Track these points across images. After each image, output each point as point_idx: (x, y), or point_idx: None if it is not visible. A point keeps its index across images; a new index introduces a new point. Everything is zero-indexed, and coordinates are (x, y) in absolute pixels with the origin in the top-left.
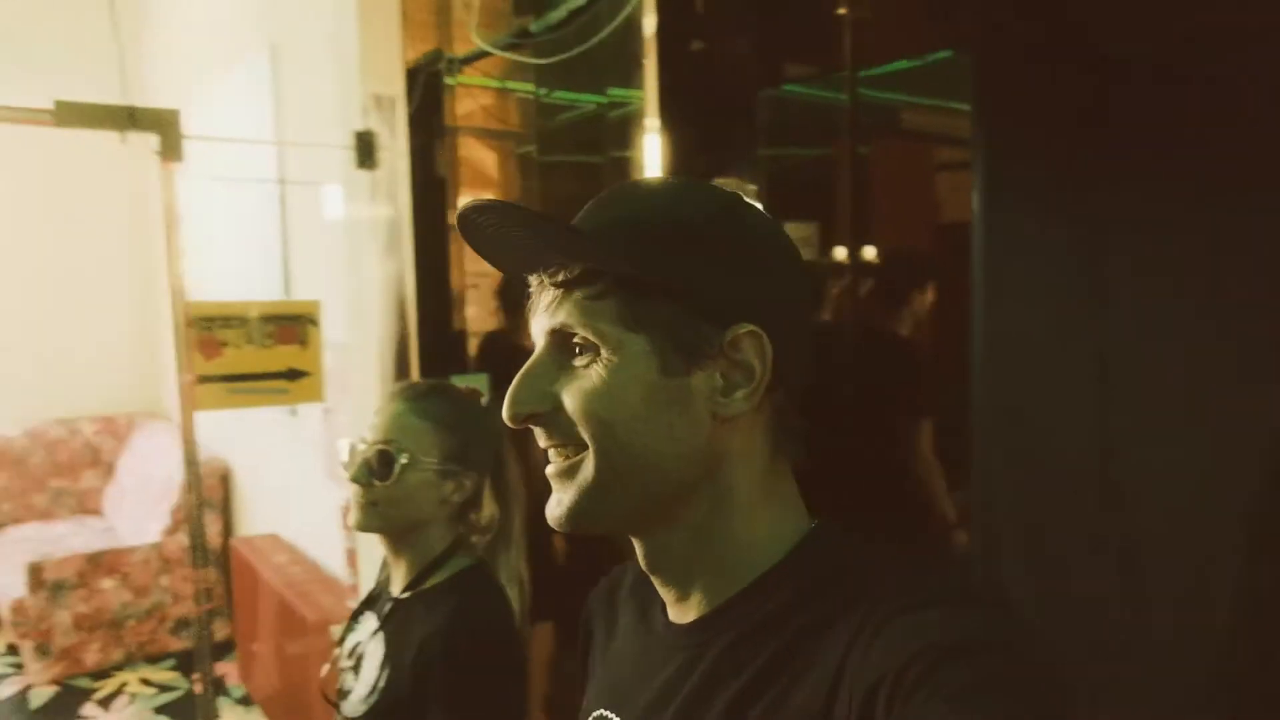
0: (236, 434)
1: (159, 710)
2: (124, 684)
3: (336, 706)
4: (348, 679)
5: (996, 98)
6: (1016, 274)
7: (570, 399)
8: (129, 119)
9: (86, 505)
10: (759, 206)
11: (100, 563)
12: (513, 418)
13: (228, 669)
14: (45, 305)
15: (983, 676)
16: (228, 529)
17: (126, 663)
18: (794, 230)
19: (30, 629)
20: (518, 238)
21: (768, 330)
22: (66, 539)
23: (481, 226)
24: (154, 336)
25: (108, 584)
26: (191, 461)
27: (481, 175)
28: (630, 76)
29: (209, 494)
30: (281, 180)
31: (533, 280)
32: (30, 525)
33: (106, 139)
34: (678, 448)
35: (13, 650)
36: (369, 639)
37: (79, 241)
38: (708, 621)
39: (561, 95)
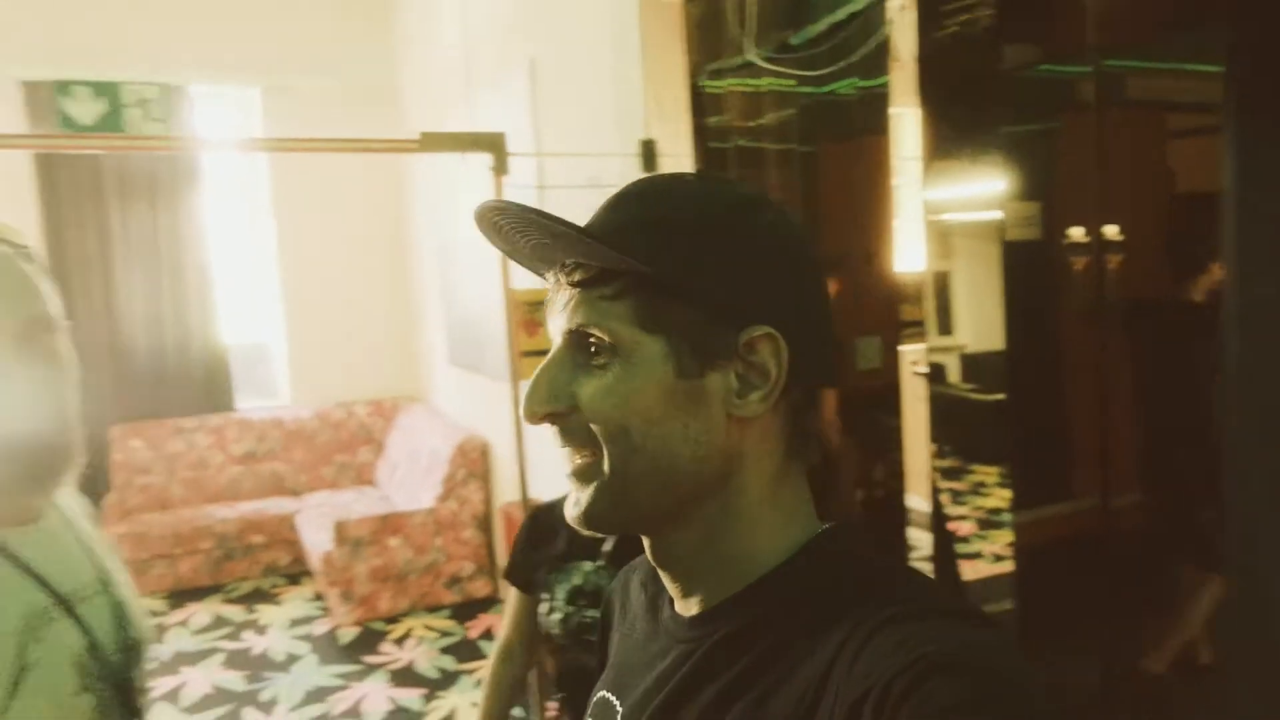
0: (491, 412)
1: (443, 651)
2: (411, 628)
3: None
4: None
5: (1254, 64)
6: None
7: (586, 399)
8: (472, 142)
9: (363, 477)
10: (779, 205)
11: (387, 524)
12: (529, 415)
13: (493, 620)
14: (328, 309)
15: (971, 692)
16: (489, 497)
17: (410, 610)
18: (1021, 209)
19: (336, 578)
20: (534, 237)
21: (783, 332)
22: (353, 504)
23: (499, 225)
24: (413, 334)
25: (394, 542)
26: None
27: (759, 177)
28: (874, 69)
29: (473, 466)
30: (591, 184)
31: (550, 278)
32: (322, 493)
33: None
34: (693, 449)
35: (319, 597)
36: (594, 571)
37: (353, 254)
38: (706, 617)
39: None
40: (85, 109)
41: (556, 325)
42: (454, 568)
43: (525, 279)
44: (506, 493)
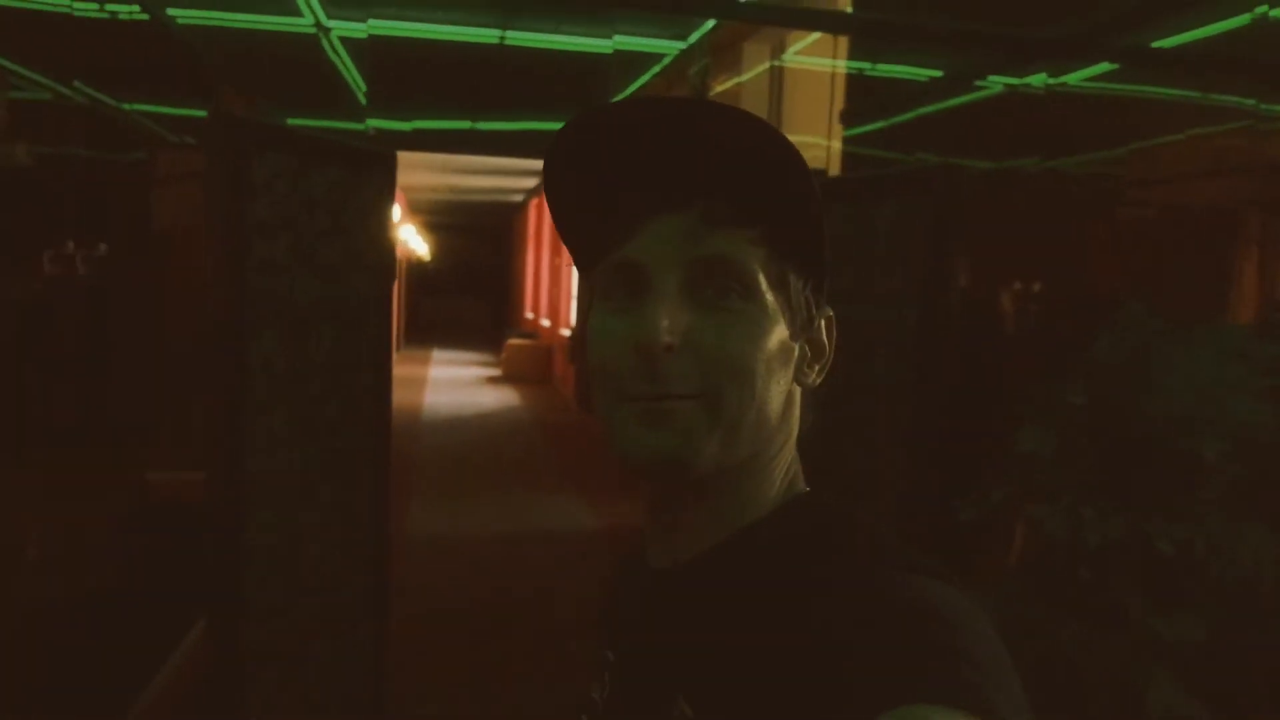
0: None
1: None
2: None
3: None
4: None
5: None
6: None
7: (717, 338)
8: None
9: None
10: None
11: None
12: (651, 345)
13: None
14: None
15: (944, 644)
16: None
17: None
18: None
19: None
20: (681, 148)
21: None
22: None
23: (625, 127)
24: None
25: None
26: None
27: None
28: None
29: None
30: None
31: (629, 198)
32: None
33: None
34: (782, 407)
35: None
36: None
37: None
38: (686, 567)
39: None
40: None
41: (661, 251)
42: None
43: None
44: None
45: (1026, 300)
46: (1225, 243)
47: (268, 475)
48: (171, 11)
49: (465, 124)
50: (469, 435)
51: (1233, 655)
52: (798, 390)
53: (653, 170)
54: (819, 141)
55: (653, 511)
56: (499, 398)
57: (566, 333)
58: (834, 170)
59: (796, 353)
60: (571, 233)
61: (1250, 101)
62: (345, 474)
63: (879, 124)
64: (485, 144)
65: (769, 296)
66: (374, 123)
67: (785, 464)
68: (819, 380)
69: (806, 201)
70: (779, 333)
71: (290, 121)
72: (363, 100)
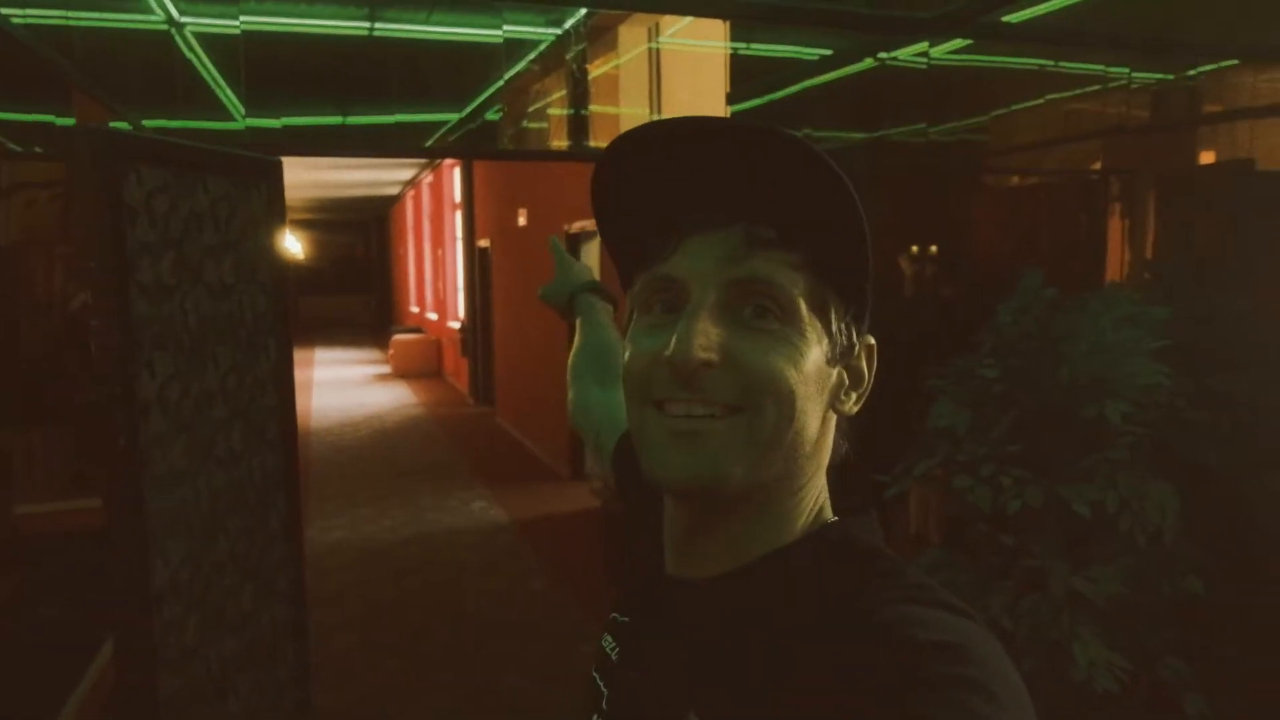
0: None
1: None
2: None
3: None
4: None
5: None
6: None
7: (753, 357)
8: None
9: None
10: None
11: None
12: (687, 363)
13: None
14: None
15: (969, 678)
16: None
17: None
18: None
19: None
20: (736, 169)
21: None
22: None
23: (675, 141)
24: None
25: None
26: None
27: None
28: None
29: None
30: None
31: (673, 214)
32: None
33: None
34: (816, 434)
35: None
36: None
37: None
38: (709, 584)
39: None
40: None
41: (703, 270)
42: None
43: None
44: None
45: (923, 262)
46: (1093, 206)
47: (171, 511)
48: (5, 11)
49: (336, 119)
50: (364, 437)
51: (1144, 604)
52: (833, 418)
53: (698, 188)
54: None
55: (675, 521)
56: (391, 395)
57: (456, 325)
58: None
59: (834, 379)
60: (616, 244)
61: (1098, 67)
62: (254, 501)
63: (759, 100)
64: (364, 143)
65: (808, 320)
66: (247, 122)
67: (816, 492)
68: (856, 409)
69: (851, 230)
70: (816, 356)
71: (146, 123)
72: (226, 100)
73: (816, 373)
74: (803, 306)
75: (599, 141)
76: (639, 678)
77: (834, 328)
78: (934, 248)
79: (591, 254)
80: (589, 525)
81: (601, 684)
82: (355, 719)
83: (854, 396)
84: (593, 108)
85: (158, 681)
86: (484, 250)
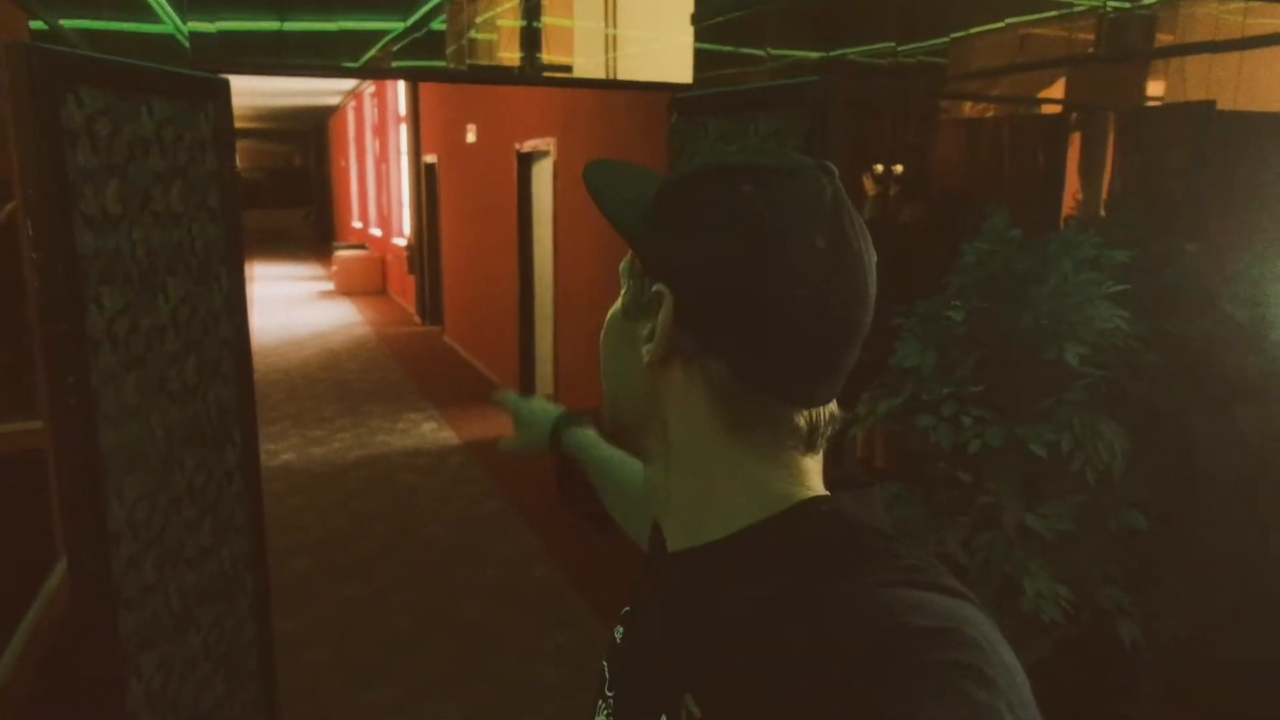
0: None
1: None
2: None
3: None
4: None
5: None
6: None
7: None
8: None
9: None
10: (785, 182)
11: None
12: None
13: None
14: None
15: (963, 664)
16: None
17: None
18: None
19: None
20: None
21: (683, 295)
22: None
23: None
24: None
25: None
26: None
27: None
28: None
29: None
30: None
31: None
32: None
33: None
34: (623, 381)
35: None
36: None
37: None
38: (677, 557)
39: None
40: None
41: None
42: None
43: None
44: None
45: (887, 182)
46: (1054, 139)
47: (126, 448)
48: None
49: (274, 24)
50: (309, 356)
51: (1091, 539)
52: (672, 380)
53: None
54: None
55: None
56: (335, 314)
57: (401, 242)
58: (687, 74)
59: (639, 332)
60: None
61: None
62: (210, 434)
63: (721, 18)
64: (309, 62)
65: (624, 287)
66: (187, 27)
67: (705, 463)
68: (652, 357)
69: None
70: (616, 315)
71: (66, 24)
72: (154, 2)
73: (613, 327)
74: (623, 272)
75: (552, 57)
76: (639, 660)
77: (634, 282)
78: (899, 167)
79: (543, 172)
80: None
81: (607, 670)
82: (314, 644)
83: (647, 348)
84: (545, 19)
85: (117, 621)
86: (431, 166)
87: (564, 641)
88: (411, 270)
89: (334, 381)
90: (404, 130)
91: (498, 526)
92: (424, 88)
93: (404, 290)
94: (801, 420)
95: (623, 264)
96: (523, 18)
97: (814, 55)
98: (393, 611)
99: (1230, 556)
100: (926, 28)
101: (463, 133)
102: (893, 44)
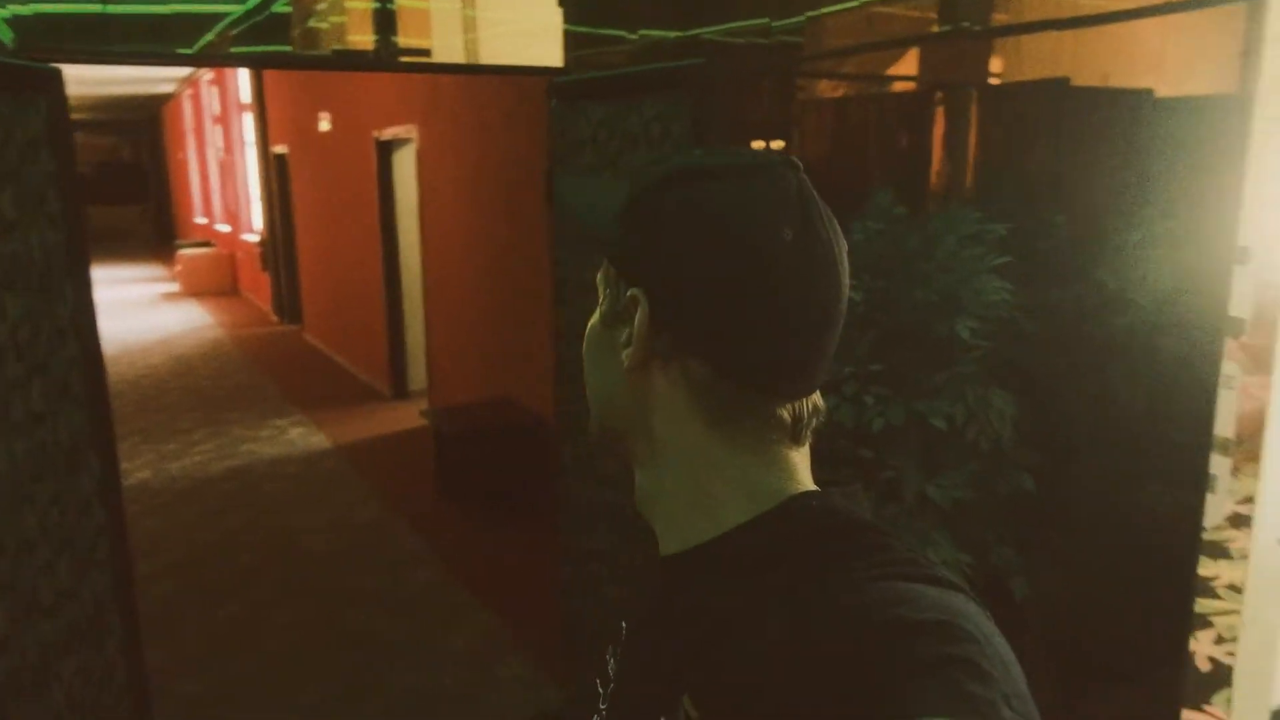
0: None
1: None
2: None
3: None
4: None
5: None
6: None
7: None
8: None
9: None
10: (748, 181)
11: None
12: None
13: None
14: None
15: (958, 657)
16: None
17: None
18: None
19: None
20: None
21: (658, 297)
22: None
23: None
24: None
25: None
26: None
27: None
28: None
29: None
30: None
31: None
32: None
33: None
34: (607, 389)
35: None
36: None
37: None
38: (670, 561)
39: None
40: None
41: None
42: None
43: None
44: None
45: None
46: (918, 118)
47: None
48: None
49: (96, 6)
50: (157, 364)
51: (984, 504)
52: (653, 383)
53: None
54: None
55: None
56: (184, 317)
57: (253, 238)
58: (556, 56)
59: (617, 337)
60: None
61: None
62: (62, 464)
63: None
64: (139, 47)
65: (600, 292)
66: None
67: (686, 460)
68: (633, 362)
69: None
70: (595, 324)
71: None
72: None
73: (592, 335)
74: (600, 282)
75: (409, 40)
76: (638, 663)
77: (610, 291)
78: (779, 143)
79: (405, 161)
80: (417, 444)
81: (610, 669)
82: (188, 675)
83: (626, 352)
84: (400, 0)
85: None
86: (281, 157)
87: (460, 645)
88: (265, 267)
89: (187, 390)
90: (249, 120)
91: (377, 531)
92: (270, 74)
93: (258, 288)
94: (785, 413)
95: (599, 273)
96: None
97: (672, 34)
98: (274, 630)
99: (1105, 509)
100: (783, 6)
101: (315, 121)
102: (766, 20)
